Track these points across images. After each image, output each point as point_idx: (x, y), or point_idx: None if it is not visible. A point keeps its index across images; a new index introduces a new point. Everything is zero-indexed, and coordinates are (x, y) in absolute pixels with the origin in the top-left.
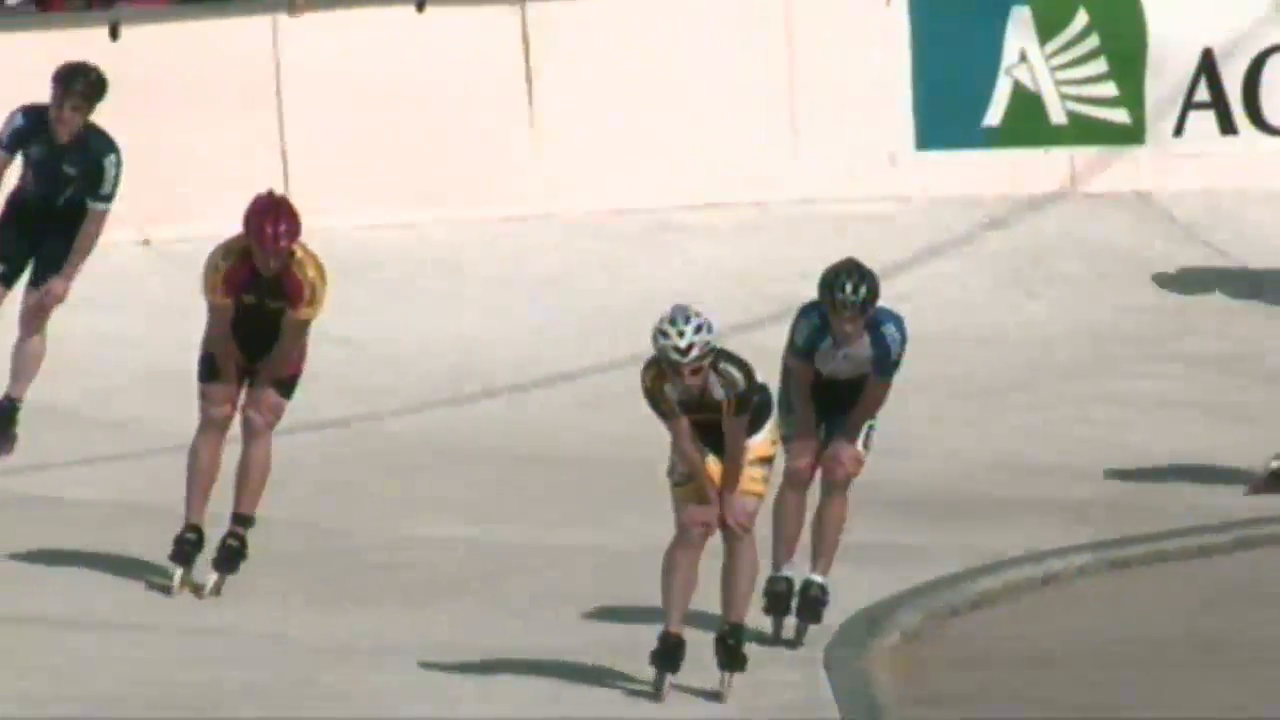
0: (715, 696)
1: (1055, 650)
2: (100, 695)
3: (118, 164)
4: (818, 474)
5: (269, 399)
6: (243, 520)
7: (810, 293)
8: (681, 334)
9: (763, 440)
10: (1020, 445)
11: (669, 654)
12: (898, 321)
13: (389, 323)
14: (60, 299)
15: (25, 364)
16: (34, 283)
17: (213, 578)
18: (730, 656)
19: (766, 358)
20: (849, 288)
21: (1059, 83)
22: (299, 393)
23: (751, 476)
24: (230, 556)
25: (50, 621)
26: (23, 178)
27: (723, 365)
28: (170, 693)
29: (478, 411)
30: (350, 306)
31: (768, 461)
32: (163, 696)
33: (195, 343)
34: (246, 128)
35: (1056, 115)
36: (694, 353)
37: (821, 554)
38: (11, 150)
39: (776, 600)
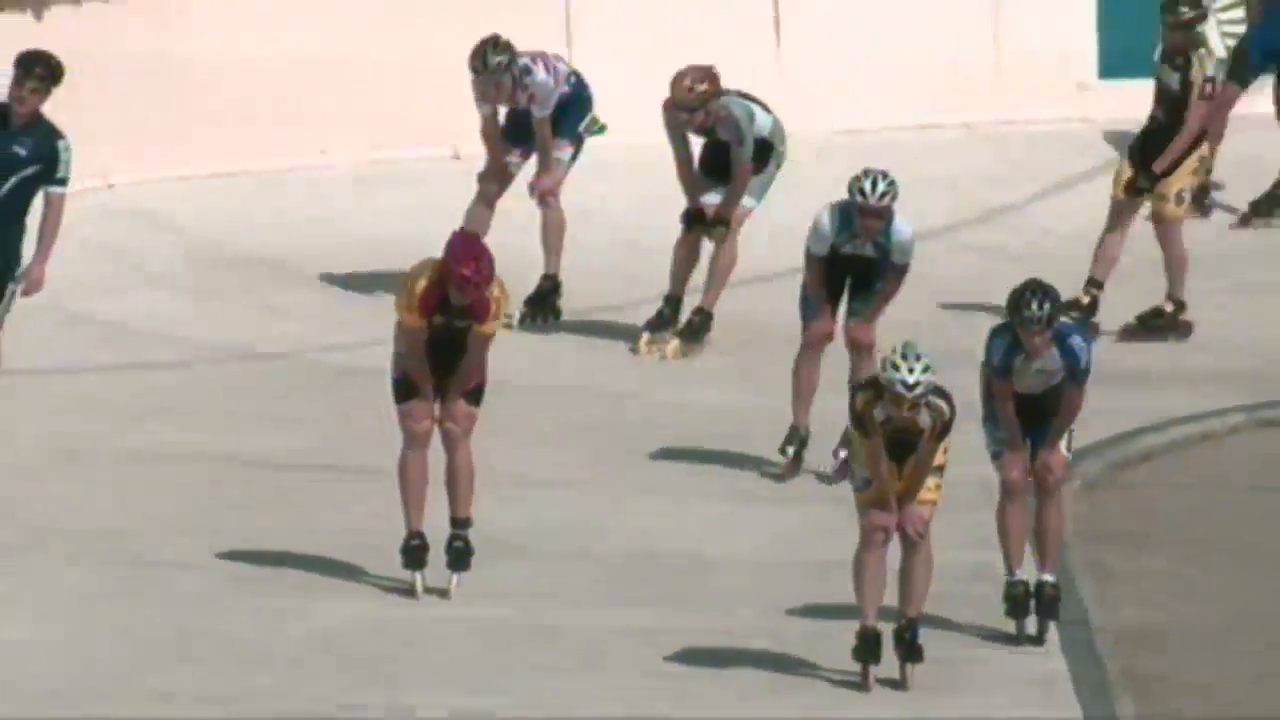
0: (897, 685)
1: (1211, 497)
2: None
3: (68, 149)
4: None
5: (461, 409)
6: (462, 523)
7: (1004, 199)
8: (911, 370)
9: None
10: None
11: (870, 647)
12: (1082, 332)
13: None
14: (40, 286)
15: None
16: None
17: (454, 579)
18: (909, 649)
19: (972, 256)
20: (1035, 305)
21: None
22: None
23: (927, 486)
24: (460, 557)
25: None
26: None
27: (932, 399)
28: None
29: None
30: None
31: (941, 470)
32: None
33: None
34: None
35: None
36: (919, 390)
37: (1047, 555)
38: None
39: (1015, 604)
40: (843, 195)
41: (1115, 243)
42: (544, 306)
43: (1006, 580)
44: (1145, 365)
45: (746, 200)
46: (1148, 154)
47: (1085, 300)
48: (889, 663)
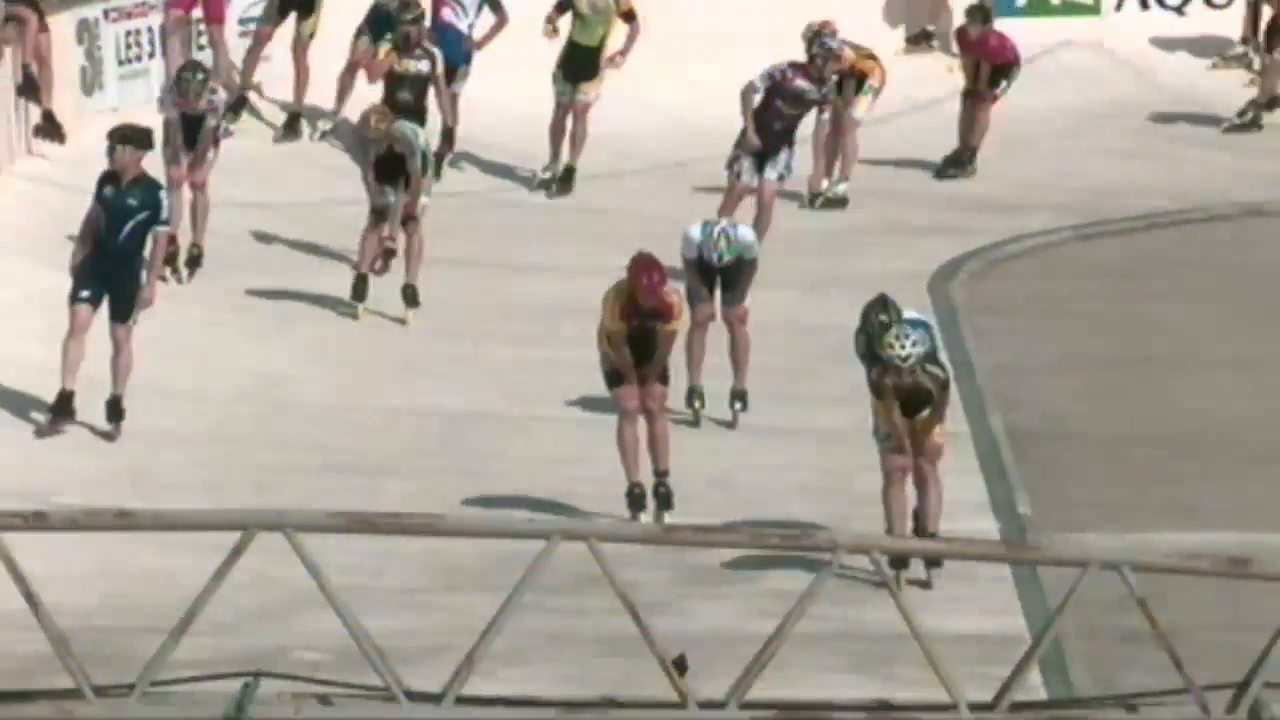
0: (924, 584)
1: (1051, 283)
2: None
3: (168, 195)
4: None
5: (657, 390)
6: (663, 474)
7: None
8: (904, 347)
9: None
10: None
11: (899, 563)
12: (938, 361)
13: None
14: (152, 303)
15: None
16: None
17: (664, 516)
18: (930, 561)
19: None
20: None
21: None
22: None
23: (937, 431)
24: (666, 499)
25: None
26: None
27: (928, 367)
28: None
29: None
30: None
31: (943, 420)
32: None
33: None
34: None
35: None
36: (911, 360)
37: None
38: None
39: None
40: None
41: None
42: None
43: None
44: (1010, 199)
45: (424, 199)
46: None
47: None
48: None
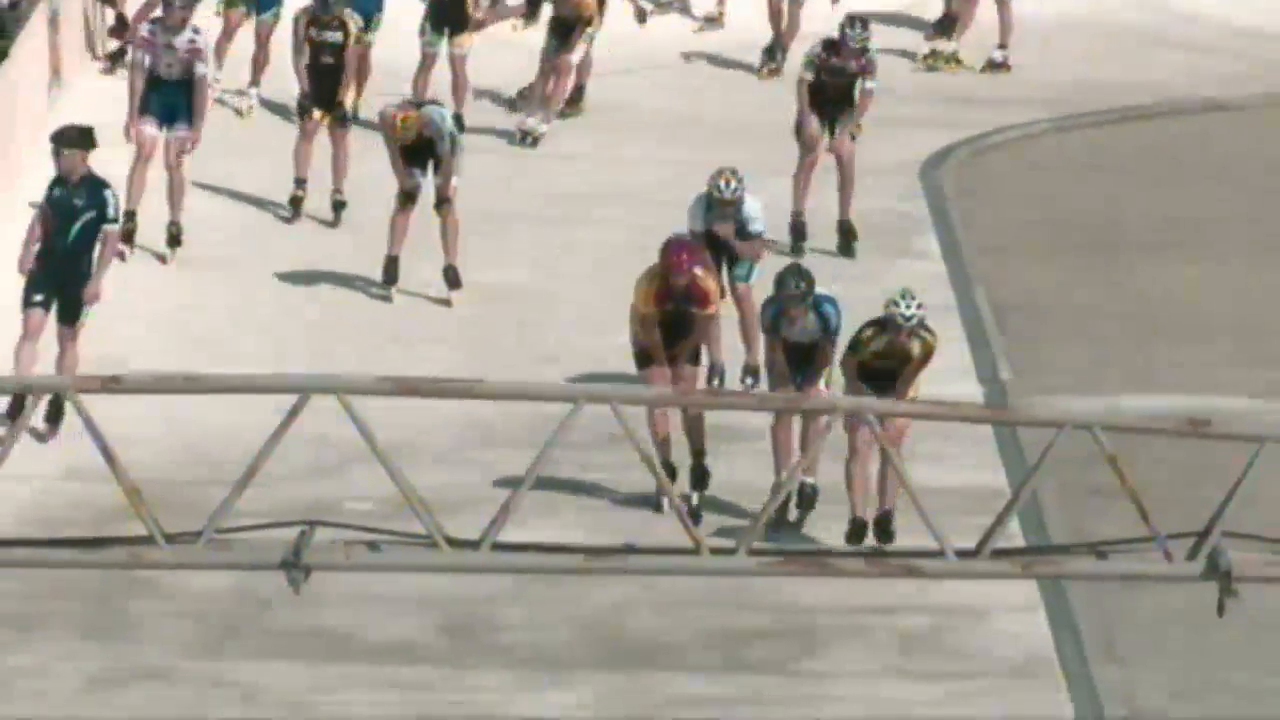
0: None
1: (1029, 171)
2: None
3: (114, 194)
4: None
5: (689, 371)
6: (701, 453)
7: None
8: (909, 307)
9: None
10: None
11: (857, 534)
12: (833, 301)
13: None
14: (98, 299)
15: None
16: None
17: (694, 495)
18: (884, 533)
19: None
20: (793, 284)
21: None
22: None
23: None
24: (700, 478)
25: None
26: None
27: (923, 331)
28: None
29: None
30: None
31: (914, 397)
32: None
33: None
34: None
35: None
36: (914, 320)
37: (807, 461)
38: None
39: (788, 500)
40: None
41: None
42: None
43: (775, 480)
44: (993, 95)
45: (456, 181)
46: None
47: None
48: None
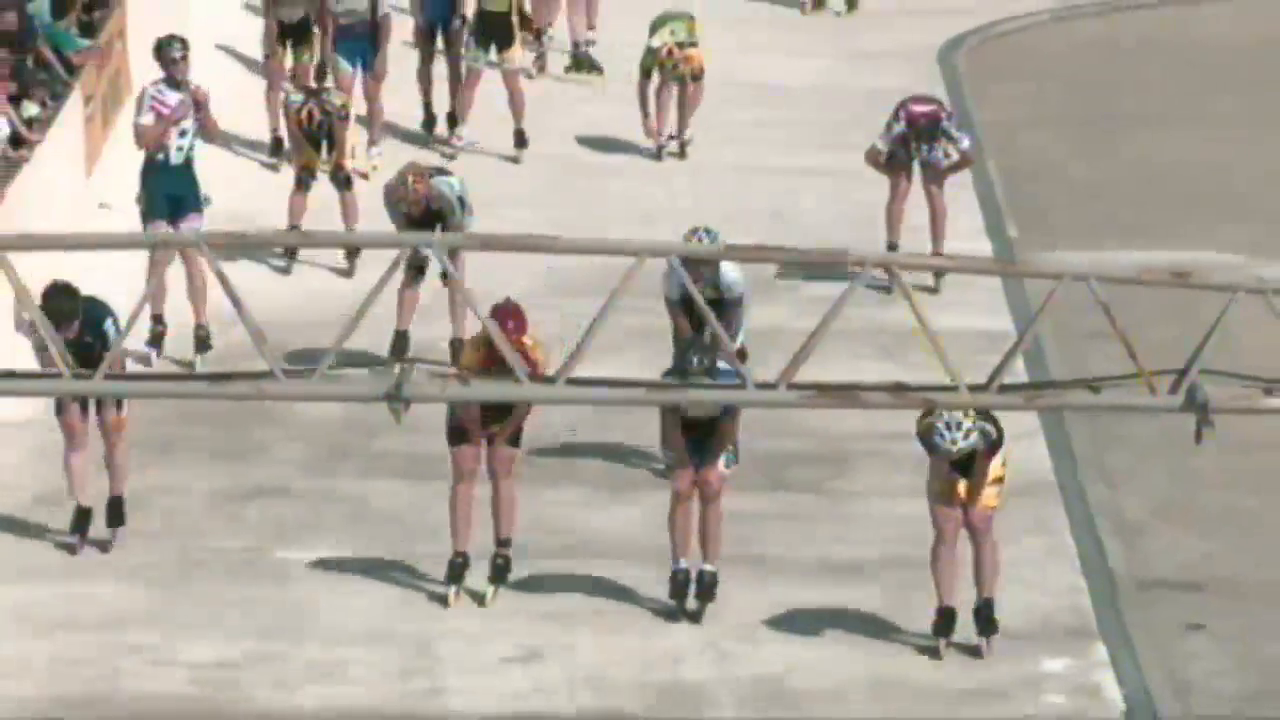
0: (975, 652)
1: (1034, 58)
2: None
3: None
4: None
5: (505, 453)
6: (505, 543)
7: None
8: (954, 439)
9: (997, 465)
10: None
11: (946, 623)
12: (732, 377)
13: None
14: None
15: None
16: None
17: (490, 590)
18: (986, 623)
19: None
20: (695, 360)
21: None
22: None
23: (988, 494)
24: (501, 571)
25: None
26: None
27: (984, 426)
28: None
29: None
30: None
31: (1000, 480)
32: None
33: None
34: None
35: None
36: (960, 450)
37: (709, 549)
38: None
39: (678, 587)
40: None
41: None
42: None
43: (673, 568)
44: None
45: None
46: None
47: None
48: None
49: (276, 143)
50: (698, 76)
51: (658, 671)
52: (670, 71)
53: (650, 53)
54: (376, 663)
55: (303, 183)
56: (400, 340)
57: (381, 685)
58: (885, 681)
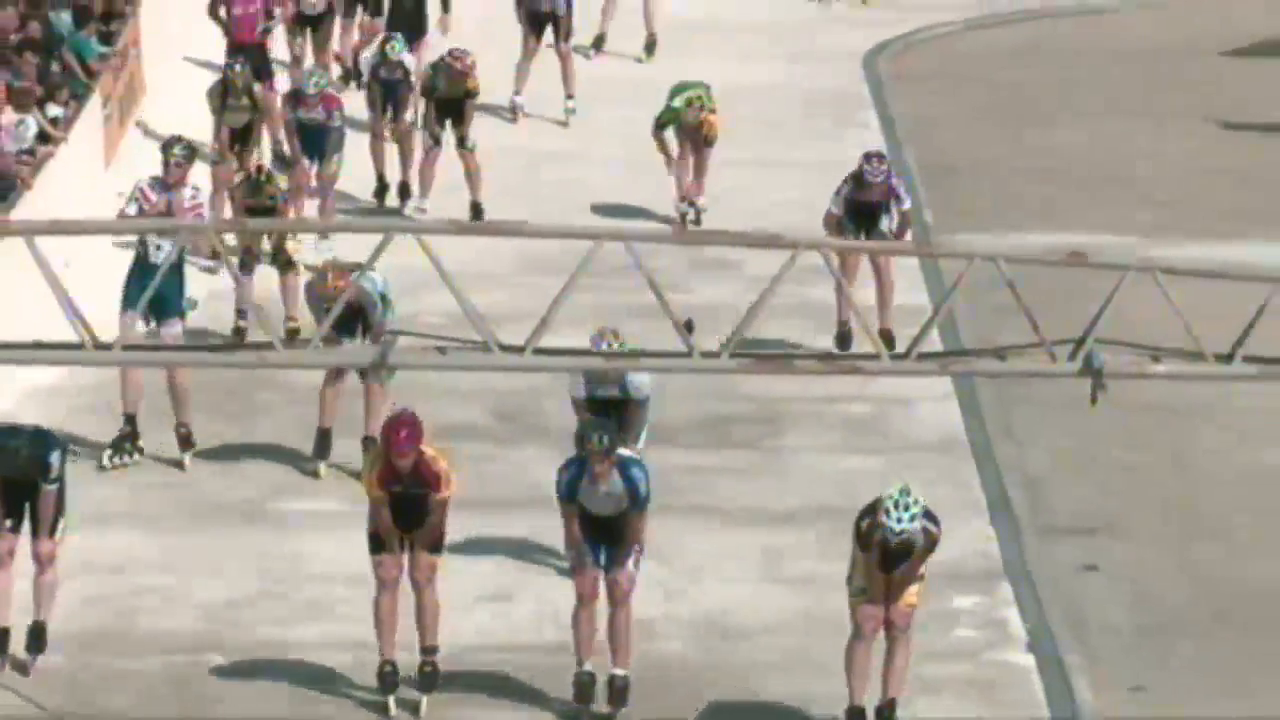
0: None
1: (955, 59)
2: None
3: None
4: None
5: (425, 560)
6: (431, 650)
7: None
8: (900, 520)
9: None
10: None
11: None
12: (641, 465)
13: None
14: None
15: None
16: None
17: (424, 699)
18: None
19: None
20: (596, 438)
21: None
22: None
23: (910, 591)
24: (430, 679)
25: None
26: None
27: (926, 524)
28: None
29: None
30: None
31: (921, 578)
32: None
33: None
34: None
35: None
36: (905, 536)
37: (618, 653)
38: None
39: (582, 689)
40: None
41: None
42: None
43: (576, 670)
44: (920, 3)
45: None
46: None
47: None
48: None
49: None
50: (711, 142)
51: None
52: (690, 128)
53: (671, 110)
54: (363, 601)
55: (245, 265)
56: (323, 439)
57: (367, 621)
58: (815, 617)
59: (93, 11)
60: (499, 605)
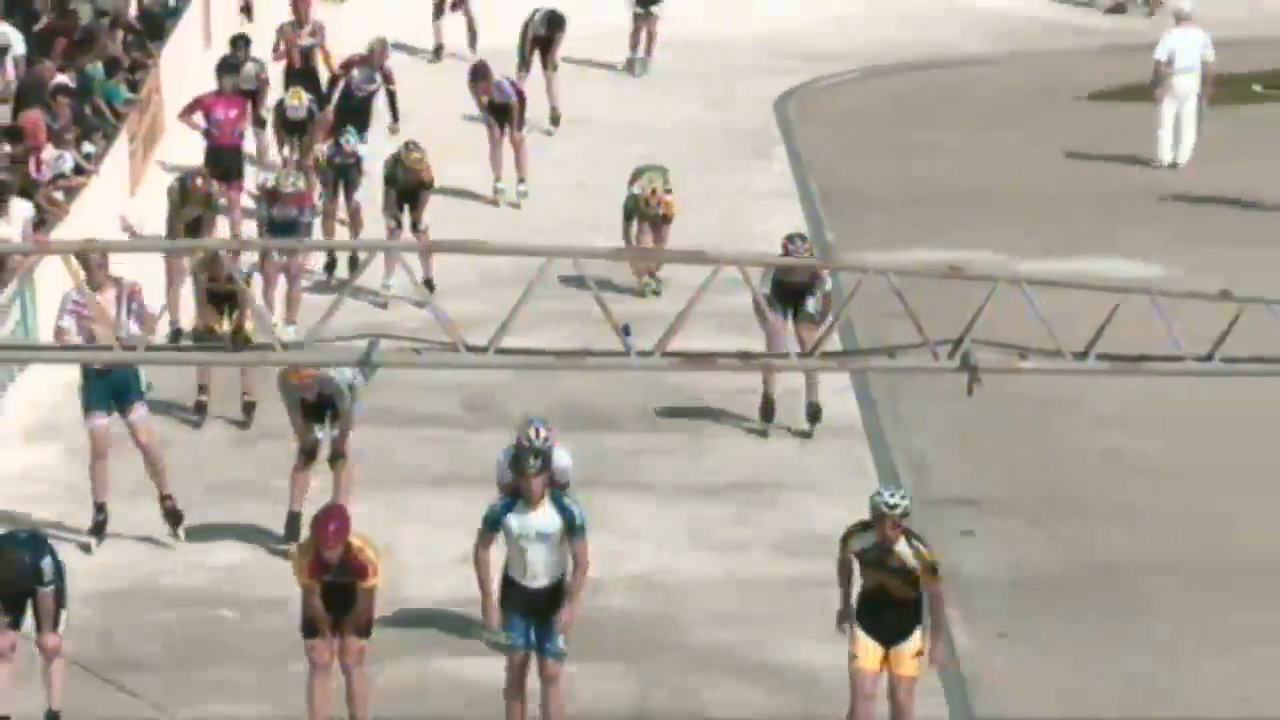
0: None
1: (842, 110)
2: None
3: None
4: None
5: (355, 645)
6: None
7: None
8: (893, 495)
9: (917, 639)
10: None
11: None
12: (570, 498)
13: None
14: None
15: None
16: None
17: None
18: None
19: None
20: (531, 461)
21: None
22: None
23: (910, 664)
24: None
25: None
26: None
27: (914, 540)
28: None
29: None
30: None
31: (920, 654)
32: None
33: None
34: None
35: None
36: (899, 509)
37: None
38: None
39: None
40: None
41: None
42: None
43: None
44: (823, 53)
45: (353, 436)
46: None
47: None
48: None
49: (176, 334)
50: (669, 220)
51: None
52: (648, 213)
53: (633, 198)
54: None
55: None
56: (293, 521)
57: None
58: (735, 576)
59: (121, 63)
60: (468, 567)
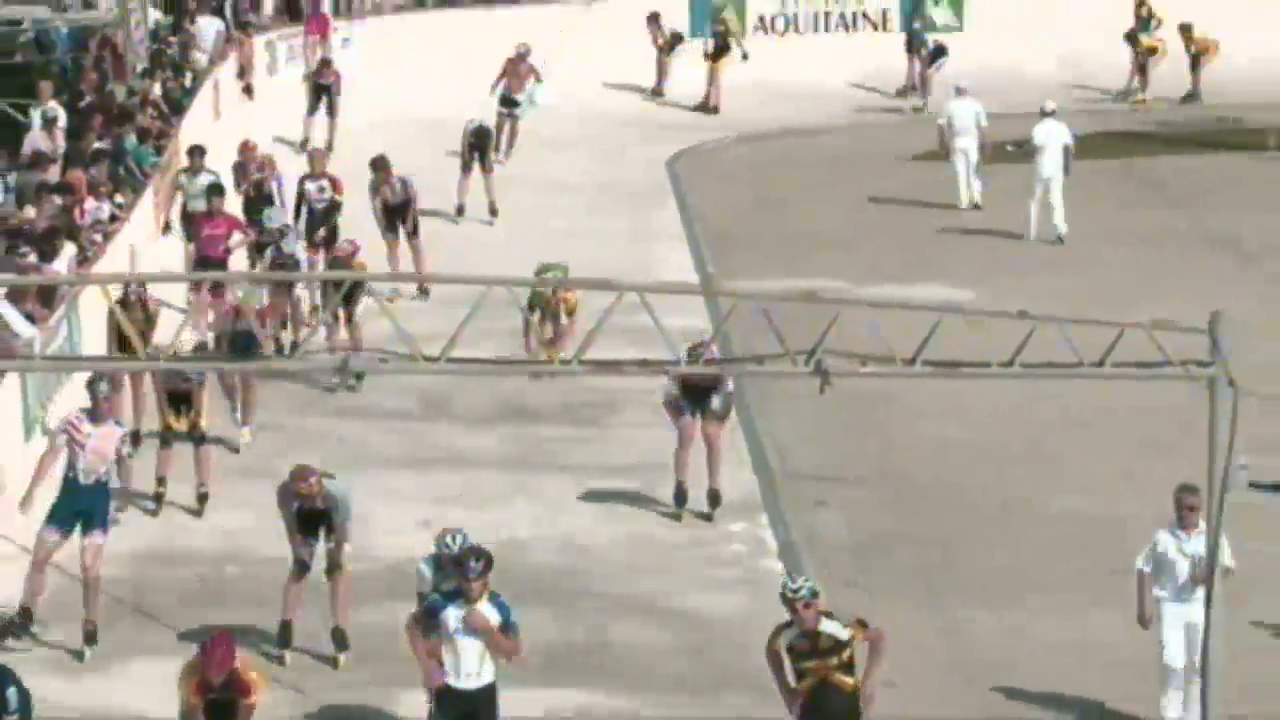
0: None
1: (720, 170)
2: None
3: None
4: None
5: None
6: None
7: None
8: (795, 580)
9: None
10: None
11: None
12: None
13: None
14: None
15: None
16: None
17: None
18: None
19: None
20: (474, 562)
21: None
22: None
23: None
24: None
25: None
26: None
27: (833, 618)
28: None
29: None
30: None
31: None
32: None
33: None
34: None
35: None
36: (802, 593)
37: None
38: None
39: None
40: None
41: None
42: None
43: None
44: (705, 125)
45: (348, 548)
46: None
47: None
48: None
49: (134, 436)
50: (572, 313)
51: (500, 532)
52: (549, 309)
53: (537, 295)
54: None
55: (165, 441)
56: (285, 630)
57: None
58: (637, 538)
59: (149, 133)
60: (426, 531)
